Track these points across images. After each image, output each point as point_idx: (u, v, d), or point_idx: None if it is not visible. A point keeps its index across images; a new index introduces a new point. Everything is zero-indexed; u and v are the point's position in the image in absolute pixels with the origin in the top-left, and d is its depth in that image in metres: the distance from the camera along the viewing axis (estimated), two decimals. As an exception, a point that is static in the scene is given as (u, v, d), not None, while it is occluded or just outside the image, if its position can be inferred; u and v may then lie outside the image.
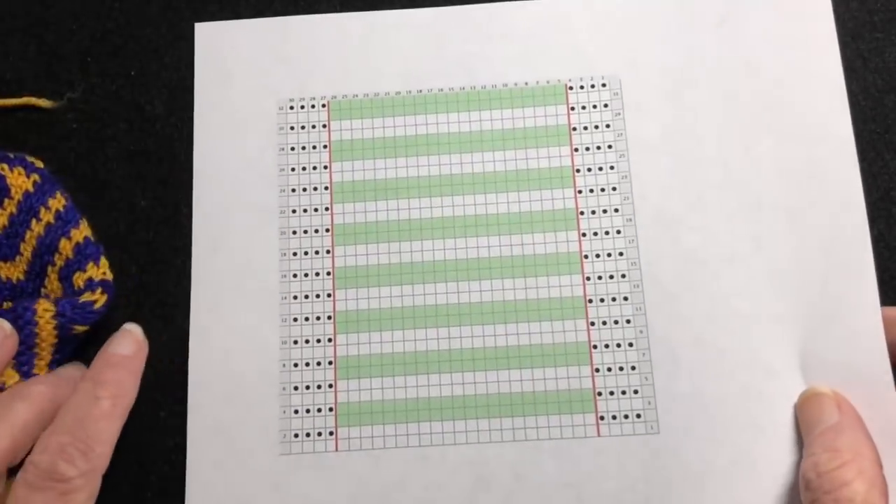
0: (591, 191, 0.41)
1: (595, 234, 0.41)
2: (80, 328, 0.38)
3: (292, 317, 0.40)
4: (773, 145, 0.41)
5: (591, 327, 0.40)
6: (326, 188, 0.42)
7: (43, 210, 0.40)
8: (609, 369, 0.39)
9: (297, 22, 0.44)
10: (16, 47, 0.44)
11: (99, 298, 0.39)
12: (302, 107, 0.43)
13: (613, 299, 0.40)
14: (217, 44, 0.44)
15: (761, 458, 0.38)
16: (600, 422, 0.39)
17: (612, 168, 0.42)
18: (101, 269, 0.40)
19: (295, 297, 0.41)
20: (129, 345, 0.38)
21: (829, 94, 0.41)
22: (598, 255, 0.41)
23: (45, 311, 0.38)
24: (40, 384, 0.36)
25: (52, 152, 0.43)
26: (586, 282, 0.40)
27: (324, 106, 0.43)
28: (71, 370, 0.39)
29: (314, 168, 0.42)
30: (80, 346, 0.40)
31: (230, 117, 0.43)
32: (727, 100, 0.42)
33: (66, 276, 0.39)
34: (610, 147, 0.42)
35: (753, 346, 0.39)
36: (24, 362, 0.38)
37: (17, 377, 0.38)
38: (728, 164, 0.41)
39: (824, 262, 0.40)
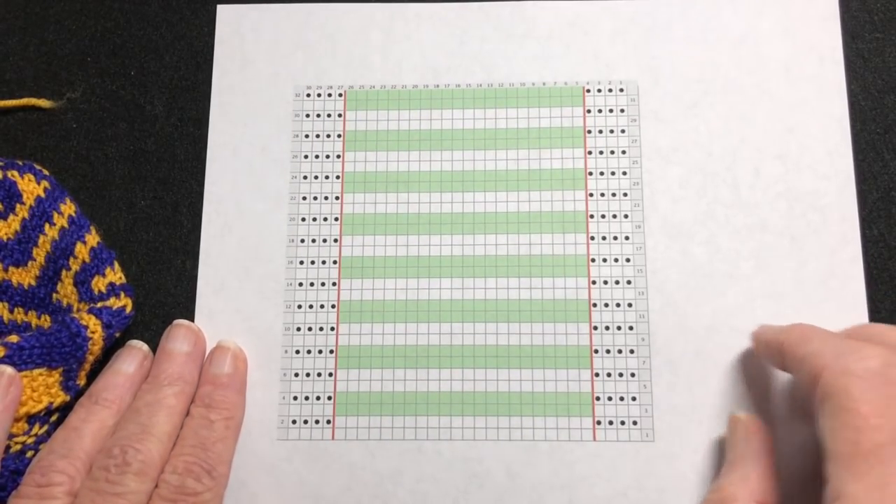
0: (603, 195, 0.41)
1: (603, 238, 0.41)
2: (117, 335, 0.39)
3: (297, 303, 0.41)
4: (782, 172, 0.41)
5: (593, 331, 0.40)
6: (338, 177, 0.42)
7: (56, 215, 0.40)
8: (609, 374, 0.39)
9: (319, 10, 0.44)
10: (16, 47, 0.44)
11: (127, 303, 0.39)
12: (318, 95, 0.43)
13: (618, 305, 0.40)
14: (238, 27, 0.44)
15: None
16: (597, 426, 0.39)
17: (624, 174, 0.42)
18: (117, 274, 0.40)
19: (300, 284, 0.41)
20: (229, 363, 0.39)
21: (836, 133, 0.41)
22: (605, 260, 0.41)
23: (95, 324, 0.38)
24: (172, 385, 0.37)
25: (52, 152, 0.43)
26: (592, 285, 0.40)
27: (340, 95, 0.43)
28: (178, 343, 0.39)
29: (327, 157, 0.42)
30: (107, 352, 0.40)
31: (247, 101, 0.43)
32: (741, 120, 0.42)
33: (82, 281, 0.39)
34: (624, 152, 0.42)
35: (751, 363, 0.39)
36: (71, 377, 0.38)
37: (63, 396, 0.38)
38: (737, 184, 0.41)
39: (821, 290, 0.40)
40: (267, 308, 0.41)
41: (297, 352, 0.40)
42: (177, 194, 0.42)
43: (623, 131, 0.42)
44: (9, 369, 0.37)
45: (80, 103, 0.43)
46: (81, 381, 0.39)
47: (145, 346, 0.39)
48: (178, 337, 0.39)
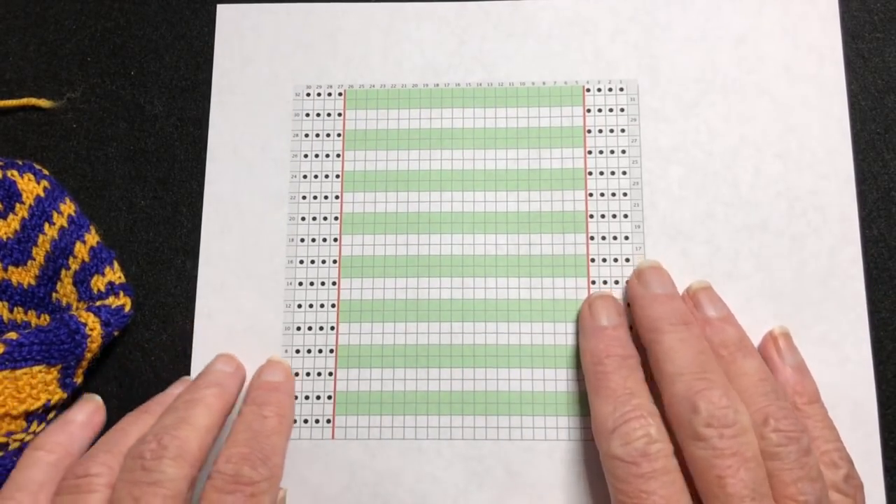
0: (602, 195, 0.41)
1: (603, 238, 0.41)
2: (115, 333, 0.39)
3: (296, 303, 0.41)
4: (782, 172, 0.41)
5: (593, 331, 0.40)
6: (338, 176, 0.42)
7: (56, 214, 0.40)
8: (608, 374, 0.39)
9: (319, 9, 0.44)
10: (16, 47, 0.44)
11: (126, 302, 0.40)
12: (318, 94, 0.43)
13: (617, 304, 0.40)
14: (238, 27, 0.44)
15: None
16: (596, 426, 0.39)
17: (624, 173, 0.42)
18: (116, 274, 0.40)
19: (300, 284, 0.41)
20: (280, 373, 0.39)
21: (836, 133, 0.41)
22: (604, 260, 0.41)
23: (94, 322, 0.38)
24: (210, 387, 0.37)
25: (52, 152, 0.43)
26: (591, 285, 0.40)
27: (340, 94, 0.43)
28: (221, 365, 0.39)
29: (327, 156, 0.42)
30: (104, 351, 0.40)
31: (247, 100, 0.43)
32: (740, 119, 0.42)
33: (81, 280, 0.39)
34: (623, 152, 0.42)
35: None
36: (69, 374, 0.38)
37: (60, 393, 0.38)
38: (738, 183, 0.41)
39: (821, 290, 0.40)
40: (267, 307, 0.41)
41: (297, 351, 0.40)
42: (177, 194, 0.42)
43: (623, 131, 0.42)
44: (97, 397, 0.38)
45: (80, 103, 0.43)
46: (78, 380, 0.39)
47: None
48: (218, 360, 0.39)
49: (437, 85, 0.43)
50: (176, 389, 0.39)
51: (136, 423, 0.36)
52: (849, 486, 0.34)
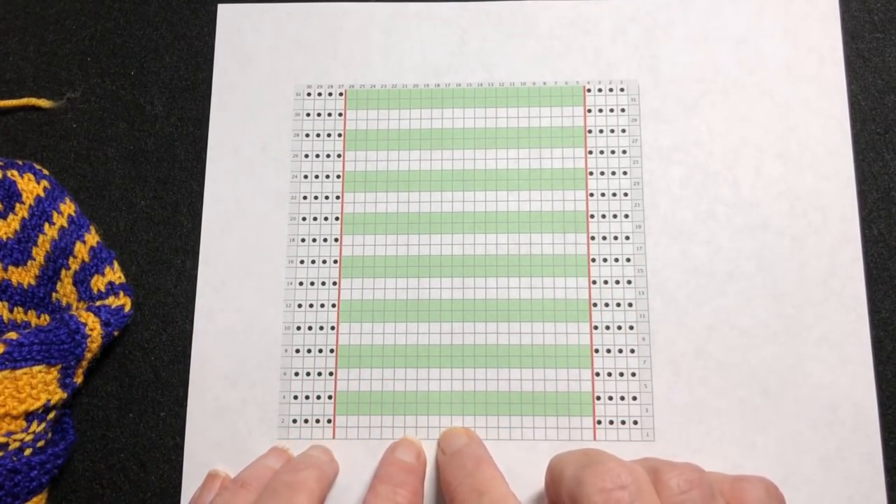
0: (603, 195, 0.41)
1: (604, 238, 0.41)
2: (115, 333, 0.39)
3: (297, 303, 0.41)
4: (782, 172, 0.41)
5: (594, 331, 0.40)
6: (339, 176, 0.42)
7: (56, 214, 0.40)
8: (609, 374, 0.39)
9: (320, 9, 0.44)
10: (16, 47, 0.44)
11: (126, 302, 0.40)
12: (319, 94, 0.43)
13: (618, 304, 0.40)
14: (238, 26, 0.44)
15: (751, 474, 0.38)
16: (597, 426, 0.39)
17: (625, 173, 0.42)
18: (116, 273, 0.40)
19: (300, 284, 0.41)
20: (413, 454, 0.38)
21: (836, 134, 0.42)
22: (605, 260, 0.41)
23: (94, 322, 0.38)
24: (310, 469, 0.36)
25: (52, 152, 0.43)
26: (592, 285, 0.40)
27: (341, 94, 0.43)
28: (317, 452, 0.39)
29: (328, 156, 0.42)
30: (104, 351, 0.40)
31: (247, 100, 0.43)
32: (741, 119, 0.42)
33: (81, 280, 0.39)
34: (624, 152, 0.42)
35: (752, 362, 0.39)
36: (69, 374, 0.38)
37: (60, 393, 0.38)
38: (738, 183, 0.41)
39: (821, 290, 0.40)
40: (267, 307, 0.41)
41: (298, 351, 0.40)
42: (177, 194, 0.42)
43: (623, 131, 0.42)
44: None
45: (80, 103, 0.43)
46: (79, 380, 0.39)
47: (289, 448, 0.39)
48: (313, 448, 0.39)
49: (438, 85, 0.43)
50: (270, 461, 0.38)
51: (234, 501, 0.35)
52: None
